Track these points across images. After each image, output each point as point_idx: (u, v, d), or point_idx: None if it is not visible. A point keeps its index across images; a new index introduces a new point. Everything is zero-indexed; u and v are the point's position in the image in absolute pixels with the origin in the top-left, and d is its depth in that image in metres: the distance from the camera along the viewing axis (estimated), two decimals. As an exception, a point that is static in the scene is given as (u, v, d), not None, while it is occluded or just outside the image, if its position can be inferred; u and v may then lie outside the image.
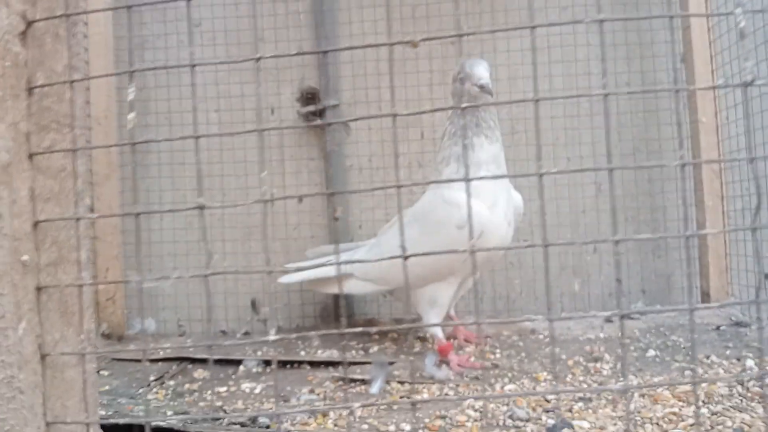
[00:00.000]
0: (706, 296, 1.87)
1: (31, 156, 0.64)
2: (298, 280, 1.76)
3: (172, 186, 2.04)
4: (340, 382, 1.44)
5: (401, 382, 1.42)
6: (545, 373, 1.41)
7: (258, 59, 0.66)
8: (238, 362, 1.63)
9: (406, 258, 0.66)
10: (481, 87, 1.41)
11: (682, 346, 1.54)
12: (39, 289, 0.63)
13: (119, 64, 2.04)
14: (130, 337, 1.96)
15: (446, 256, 1.36)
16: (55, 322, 0.65)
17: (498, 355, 1.57)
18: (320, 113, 1.99)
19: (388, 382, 1.41)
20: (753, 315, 1.69)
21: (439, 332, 1.54)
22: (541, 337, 1.71)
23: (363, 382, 1.42)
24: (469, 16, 2.01)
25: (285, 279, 1.76)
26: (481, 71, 1.43)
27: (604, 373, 1.41)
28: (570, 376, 1.40)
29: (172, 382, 1.54)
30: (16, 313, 0.61)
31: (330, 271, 1.68)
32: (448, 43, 2.02)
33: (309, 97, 2.01)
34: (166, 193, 2.04)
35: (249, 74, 2.01)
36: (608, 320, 1.83)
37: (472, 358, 1.53)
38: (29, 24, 0.63)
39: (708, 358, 1.42)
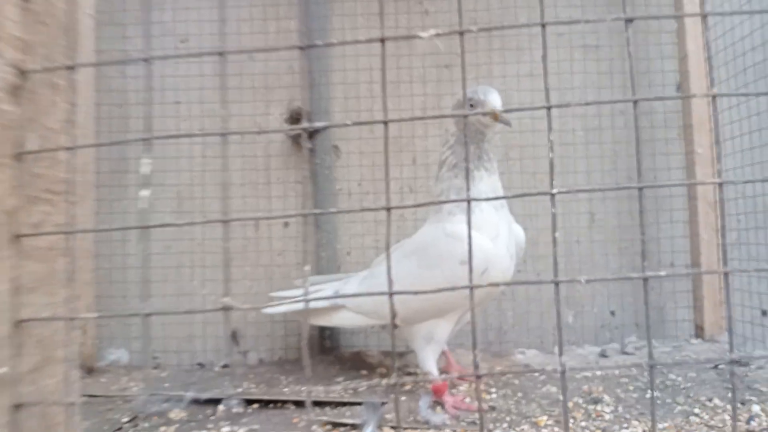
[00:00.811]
0: (700, 330, 1.84)
1: (15, 237, 0.52)
2: (284, 311, 1.63)
3: (151, 207, 1.94)
4: (329, 427, 1.35)
5: (394, 428, 1.34)
6: (545, 417, 1.35)
7: (221, 54, 0.60)
8: (217, 401, 1.53)
9: (409, 293, 0.59)
10: (496, 117, 1.34)
11: (682, 387, 1.49)
12: (17, 406, 0.51)
13: (100, 79, 1.95)
14: (101, 369, 1.84)
15: (449, 292, 1.30)
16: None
17: (494, 395, 1.51)
18: (310, 135, 1.92)
19: (380, 427, 1.33)
20: (749, 352, 1.66)
21: (434, 371, 1.47)
22: (535, 374, 1.65)
23: (353, 427, 1.34)
24: (465, 38, 1.96)
25: (270, 310, 1.65)
26: (496, 99, 1.36)
27: (606, 417, 1.35)
28: (571, 421, 1.34)
29: (146, 424, 1.44)
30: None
31: (319, 301, 1.59)
32: (442, 67, 1.97)
33: (298, 118, 1.94)
34: (145, 215, 1.94)
35: (235, 93, 1.94)
36: (603, 355, 1.79)
37: (468, 399, 1.46)
38: (23, 75, 0.52)
39: (711, 401, 1.38)
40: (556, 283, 0.62)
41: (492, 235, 1.40)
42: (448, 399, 1.42)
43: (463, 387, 1.56)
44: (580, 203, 1.93)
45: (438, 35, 0.59)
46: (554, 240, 0.60)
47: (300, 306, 1.61)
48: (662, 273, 0.62)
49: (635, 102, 0.60)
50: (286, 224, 1.92)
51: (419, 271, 1.42)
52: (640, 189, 0.60)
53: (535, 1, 1.96)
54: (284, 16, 1.95)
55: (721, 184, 0.61)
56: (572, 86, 1.95)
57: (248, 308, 0.61)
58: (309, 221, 1.93)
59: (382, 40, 0.58)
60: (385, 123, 0.59)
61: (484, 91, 1.37)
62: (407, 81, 1.95)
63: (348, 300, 1.55)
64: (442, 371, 1.57)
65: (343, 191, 1.95)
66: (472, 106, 1.37)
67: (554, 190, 0.60)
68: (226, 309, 0.52)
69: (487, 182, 1.41)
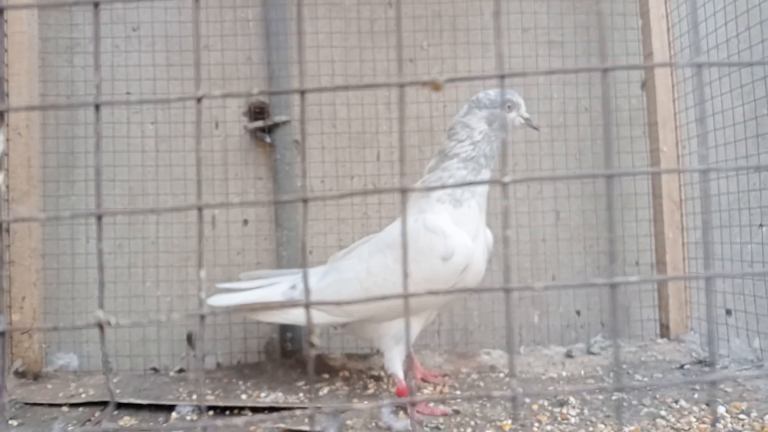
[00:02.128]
0: (665, 329, 1.83)
1: None
2: (234, 303, 1.50)
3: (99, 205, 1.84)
4: (287, 435, 1.29)
5: (355, 435, 1.29)
6: (510, 422, 1.31)
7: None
8: (171, 407, 1.45)
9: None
10: (527, 120, 1.44)
11: (648, 388, 1.47)
12: None
13: (45, 69, 1.84)
14: (49, 374, 1.74)
15: (427, 286, 1.29)
16: None
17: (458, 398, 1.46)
18: (269, 129, 1.85)
19: (340, 434, 1.27)
20: (714, 352, 1.66)
21: (400, 373, 1.41)
22: (501, 375, 1.62)
23: (312, 434, 1.28)
24: (429, 33, 1.92)
25: (216, 300, 1.50)
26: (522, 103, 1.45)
27: (572, 420, 1.32)
28: (536, 424, 1.31)
29: (92, 434, 1.35)
30: None
31: (274, 293, 1.47)
32: (407, 61, 1.92)
33: (257, 111, 1.86)
34: (94, 213, 1.84)
35: (191, 84, 1.85)
36: (569, 355, 1.77)
37: (431, 404, 1.41)
38: None
39: (677, 402, 1.36)
40: (507, 290, 0.56)
41: (472, 235, 1.36)
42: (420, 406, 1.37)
43: (428, 390, 1.51)
44: (545, 201, 1.90)
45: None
46: (505, 239, 0.54)
47: (252, 297, 1.48)
48: (633, 278, 0.57)
49: (604, 71, 0.54)
50: (245, 222, 1.85)
51: (396, 266, 1.35)
52: (609, 176, 0.54)
53: (502, -5, 1.93)
54: (241, 4, 1.87)
55: (700, 171, 0.57)
56: (537, 82, 1.92)
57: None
58: (269, 219, 1.86)
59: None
60: (302, 93, 0.52)
61: (516, 94, 1.44)
62: (370, 75, 1.89)
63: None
64: (406, 373, 1.53)
65: (305, 188, 1.89)
66: (509, 106, 1.41)
67: (506, 179, 0.53)
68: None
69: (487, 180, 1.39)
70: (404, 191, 0.55)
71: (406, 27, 1.90)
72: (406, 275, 0.55)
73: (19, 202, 1.72)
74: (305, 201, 0.55)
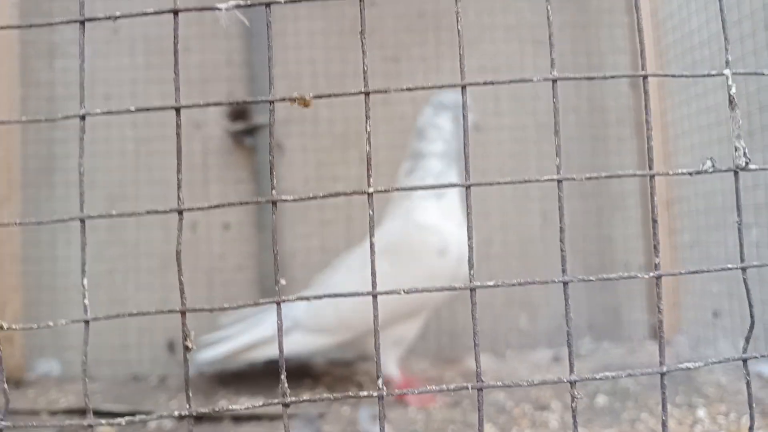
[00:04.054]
0: (653, 331, 1.80)
1: None
2: (224, 352, 1.47)
3: (81, 209, 1.82)
4: (263, 443, 1.27)
5: (331, 442, 1.26)
6: (491, 425, 1.29)
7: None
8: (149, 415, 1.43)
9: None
10: (475, 123, 1.49)
11: (632, 391, 1.45)
12: None
13: (26, 72, 1.83)
14: (30, 381, 1.72)
15: (427, 284, 1.28)
16: None
17: (439, 404, 1.44)
18: (251, 132, 1.82)
19: (316, 441, 1.25)
20: (702, 354, 1.63)
21: (396, 372, 1.44)
22: (485, 378, 1.59)
23: (288, 442, 1.26)
24: (413, 33, 1.89)
25: (206, 355, 1.48)
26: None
27: (551, 425, 1.30)
28: (516, 429, 1.28)
29: (66, 443, 1.33)
30: None
31: (264, 332, 1.44)
32: (390, 60, 1.90)
33: (238, 113, 1.84)
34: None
35: (171, 87, 1.82)
36: (556, 359, 1.74)
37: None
38: None
39: (658, 406, 1.33)
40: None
41: (458, 225, 1.39)
42: (411, 398, 1.40)
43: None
44: (533, 202, 1.87)
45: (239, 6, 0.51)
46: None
47: (246, 340, 1.45)
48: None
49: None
50: (227, 226, 1.83)
51: (393, 270, 1.33)
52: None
53: (486, -7, 1.90)
54: (221, 3, 1.85)
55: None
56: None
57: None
58: (252, 222, 1.83)
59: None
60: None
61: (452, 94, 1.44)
62: (353, 75, 1.86)
63: (301, 319, 1.42)
64: (386, 382, 1.51)
65: (288, 191, 1.87)
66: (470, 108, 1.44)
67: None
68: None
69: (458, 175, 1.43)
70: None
71: (389, 26, 1.88)
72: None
73: (0, 206, 1.71)
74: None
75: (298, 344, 1.43)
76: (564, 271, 0.54)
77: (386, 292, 0.54)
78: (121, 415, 1.44)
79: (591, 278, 0.55)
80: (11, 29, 1.73)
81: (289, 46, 1.84)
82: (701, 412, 1.28)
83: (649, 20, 1.80)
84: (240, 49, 1.85)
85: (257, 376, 1.69)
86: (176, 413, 0.51)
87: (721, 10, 0.55)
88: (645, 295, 1.84)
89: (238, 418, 1.42)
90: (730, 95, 0.51)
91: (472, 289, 0.55)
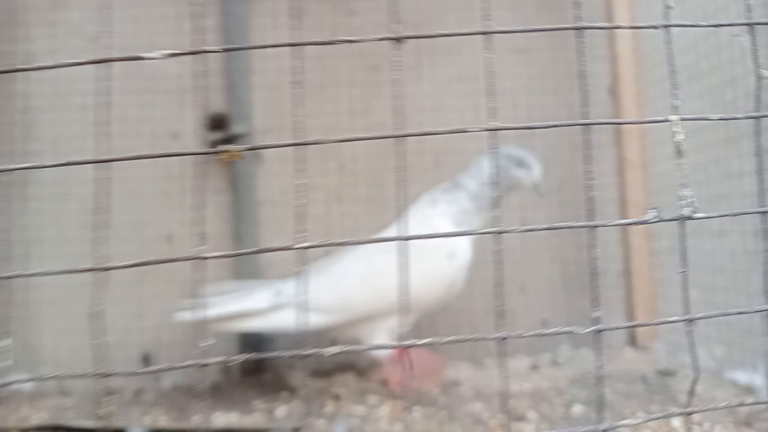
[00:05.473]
0: (632, 339, 1.81)
1: None
2: (213, 315, 1.46)
3: (55, 222, 1.80)
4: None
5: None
6: (466, 438, 1.28)
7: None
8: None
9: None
10: (536, 186, 1.56)
11: (608, 399, 1.44)
12: None
13: (2, 83, 1.81)
14: (1, 397, 1.69)
15: (433, 283, 1.47)
16: None
17: (416, 414, 1.43)
18: (228, 141, 1.81)
19: (290, 456, 1.24)
20: (680, 361, 1.63)
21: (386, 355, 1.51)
22: (463, 388, 1.59)
23: (262, 458, 1.24)
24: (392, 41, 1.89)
25: (187, 315, 1.48)
26: (539, 171, 1.55)
27: (528, 436, 1.29)
28: (491, 441, 1.28)
29: (36, 462, 1.31)
30: None
31: (257, 303, 1.47)
32: (370, 69, 1.90)
33: (216, 123, 1.83)
34: (48, 230, 1.80)
35: (147, 97, 1.81)
36: (534, 366, 1.74)
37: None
38: None
39: (634, 415, 1.33)
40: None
41: (467, 239, 1.52)
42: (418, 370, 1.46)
43: (384, 411, 1.47)
44: (512, 210, 1.87)
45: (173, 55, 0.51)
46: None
47: (235, 308, 1.47)
48: None
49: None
50: (204, 237, 1.81)
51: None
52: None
53: (466, 2, 1.90)
54: (199, 15, 1.84)
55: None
56: (503, 90, 1.89)
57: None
58: (229, 233, 1.82)
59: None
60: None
61: (536, 158, 1.55)
62: (332, 84, 1.86)
63: (296, 296, 1.46)
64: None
65: (266, 201, 1.85)
66: (519, 164, 1.54)
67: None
68: None
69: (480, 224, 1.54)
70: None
71: (368, 34, 1.87)
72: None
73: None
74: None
75: (291, 321, 1.44)
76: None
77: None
78: (93, 431, 1.42)
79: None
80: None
81: (268, 54, 1.83)
82: (676, 421, 1.28)
83: (631, 51, 1.81)
84: (217, 58, 1.84)
85: (233, 388, 1.67)
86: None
87: (669, 58, 0.55)
88: (623, 302, 1.84)
89: (211, 432, 1.40)
90: (676, 143, 0.51)
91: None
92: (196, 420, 1.46)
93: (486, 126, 0.57)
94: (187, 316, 1.48)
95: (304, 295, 1.42)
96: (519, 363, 1.76)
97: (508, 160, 1.51)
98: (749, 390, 1.40)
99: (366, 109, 1.89)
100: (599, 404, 0.57)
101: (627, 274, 1.83)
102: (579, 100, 1.85)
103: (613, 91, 1.90)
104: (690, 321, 0.59)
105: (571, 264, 1.89)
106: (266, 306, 1.47)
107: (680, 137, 0.52)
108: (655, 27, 0.60)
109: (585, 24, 0.59)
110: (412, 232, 1.44)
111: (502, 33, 0.61)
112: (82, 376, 0.55)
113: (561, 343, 1.83)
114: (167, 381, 1.73)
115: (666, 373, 1.55)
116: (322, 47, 1.90)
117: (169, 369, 0.57)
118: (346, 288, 1.47)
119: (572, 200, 1.88)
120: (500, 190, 1.49)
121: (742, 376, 1.43)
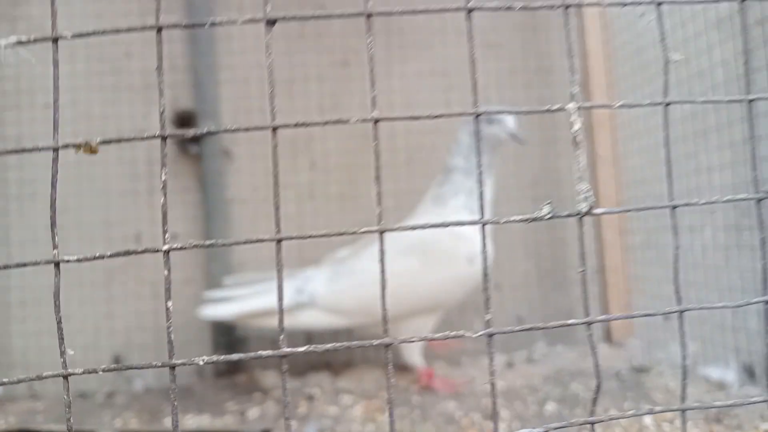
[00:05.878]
0: (607, 335, 1.81)
1: None
2: (237, 312, 1.50)
3: (21, 222, 1.75)
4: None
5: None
6: (438, 437, 1.27)
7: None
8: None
9: None
10: (512, 135, 1.50)
11: (581, 397, 1.44)
12: None
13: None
14: (-33, 402, 1.65)
15: (453, 287, 1.49)
16: None
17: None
18: (196, 139, 1.78)
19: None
20: (655, 357, 1.63)
21: (420, 363, 1.54)
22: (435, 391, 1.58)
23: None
24: (362, 37, 1.86)
25: (216, 312, 1.51)
26: (511, 121, 1.51)
27: (500, 435, 1.28)
28: (462, 439, 1.27)
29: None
30: None
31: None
32: (339, 65, 1.87)
33: (184, 120, 1.79)
34: (14, 231, 1.76)
35: (112, 94, 1.77)
36: (509, 364, 1.73)
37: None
38: None
39: (607, 412, 1.33)
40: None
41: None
42: (437, 382, 1.52)
43: (358, 412, 1.46)
44: (486, 207, 1.86)
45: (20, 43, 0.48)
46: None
47: (259, 304, 1.48)
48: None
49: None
50: (174, 237, 1.78)
51: (422, 269, 1.46)
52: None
53: (438, -4, 1.88)
54: (164, 10, 1.78)
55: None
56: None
57: None
58: (199, 232, 1.79)
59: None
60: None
61: (503, 109, 1.54)
62: (302, 80, 1.83)
63: (319, 297, 1.49)
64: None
65: (236, 199, 1.82)
66: (490, 122, 1.48)
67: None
68: None
69: (491, 190, 1.54)
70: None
71: (336, 29, 1.85)
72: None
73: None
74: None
75: (314, 321, 1.50)
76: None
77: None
78: (61, 436, 1.39)
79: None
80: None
81: (234, 50, 1.80)
82: (648, 419, 1.28)
83: (597, 22, 1.81)
84: (183, 54, 1.80)
85: (205, 390, 1.65)
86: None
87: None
88: (598, 299, 1.84)
89: (181, 437, 1.38)
90: (573, 133, 0.49)
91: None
92: (167, 423, 1.43)
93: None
94: (209, 313, 1.52)
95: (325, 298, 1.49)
96: (494, 360, 1.75)
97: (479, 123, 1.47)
98: (721, 386, 1.40)
99: (336, 105, 1.86)
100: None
101: (601, 270, 1.83)
102: (548, 94, 1.84)
103: (584, 84, 1.89)
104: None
105: (545, 260, 1.88)
106: (287, 305, 1.46)
107: (577, 127, 0.50)
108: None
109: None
110: (428, 236, 1.47)
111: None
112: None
113: (536, 339, 1.83)
114: (139, 384, 1.70)
115: (640, 370, 1.55)
116: (289, 43, 1.86)
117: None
118: (368, 292, 1.44)
119: (545, 195, 1.88)
120: (485, 152, 1.45)
121: (714, 372, 1.43)
